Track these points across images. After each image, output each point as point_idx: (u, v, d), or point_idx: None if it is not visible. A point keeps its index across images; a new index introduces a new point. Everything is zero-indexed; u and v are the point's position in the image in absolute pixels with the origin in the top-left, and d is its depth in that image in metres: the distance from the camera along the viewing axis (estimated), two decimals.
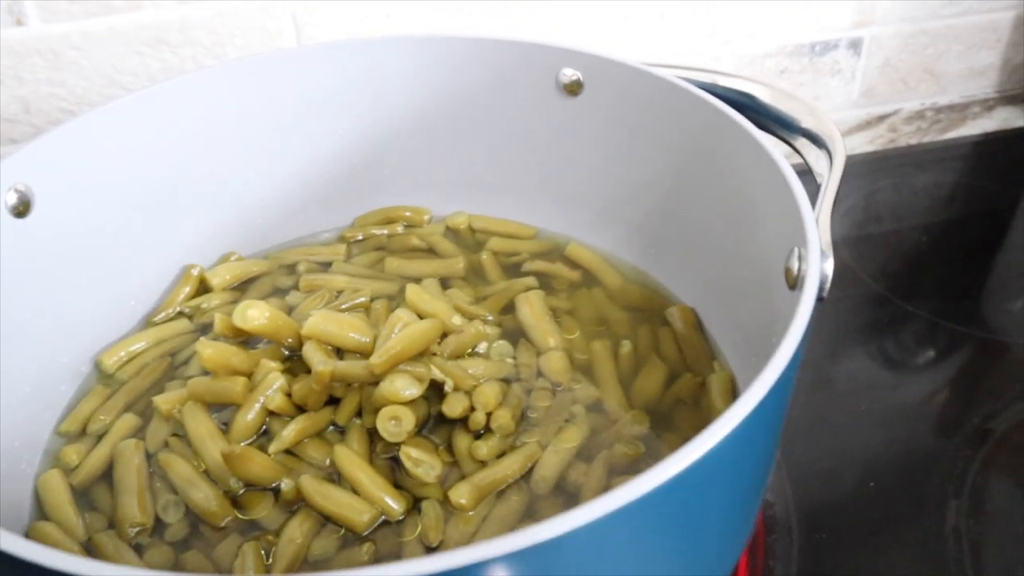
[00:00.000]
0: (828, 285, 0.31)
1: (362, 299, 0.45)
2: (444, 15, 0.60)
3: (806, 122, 0.39)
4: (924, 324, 0.54)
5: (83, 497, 0.38)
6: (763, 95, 0.41)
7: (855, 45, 0.73)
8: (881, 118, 0.78)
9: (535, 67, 0.46)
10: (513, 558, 0.22)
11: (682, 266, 0.46)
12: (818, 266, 0.30)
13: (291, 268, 0.49)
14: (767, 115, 0.41)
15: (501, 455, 0.37)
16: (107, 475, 0.39)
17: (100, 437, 0.40)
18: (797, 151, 0.40)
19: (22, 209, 0.39)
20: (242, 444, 0.38)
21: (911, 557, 0.41)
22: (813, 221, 0.32)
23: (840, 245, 0.63)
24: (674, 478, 0.23)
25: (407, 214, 0.52)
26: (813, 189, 0.35)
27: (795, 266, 0.32)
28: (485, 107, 0.49)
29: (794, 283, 0.32)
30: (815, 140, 0.38)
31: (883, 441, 0.46)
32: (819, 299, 0.31)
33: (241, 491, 0.37)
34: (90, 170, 0.43)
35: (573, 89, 0.46)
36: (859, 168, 0.74)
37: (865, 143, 0.76)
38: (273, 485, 0.37)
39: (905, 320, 0.54)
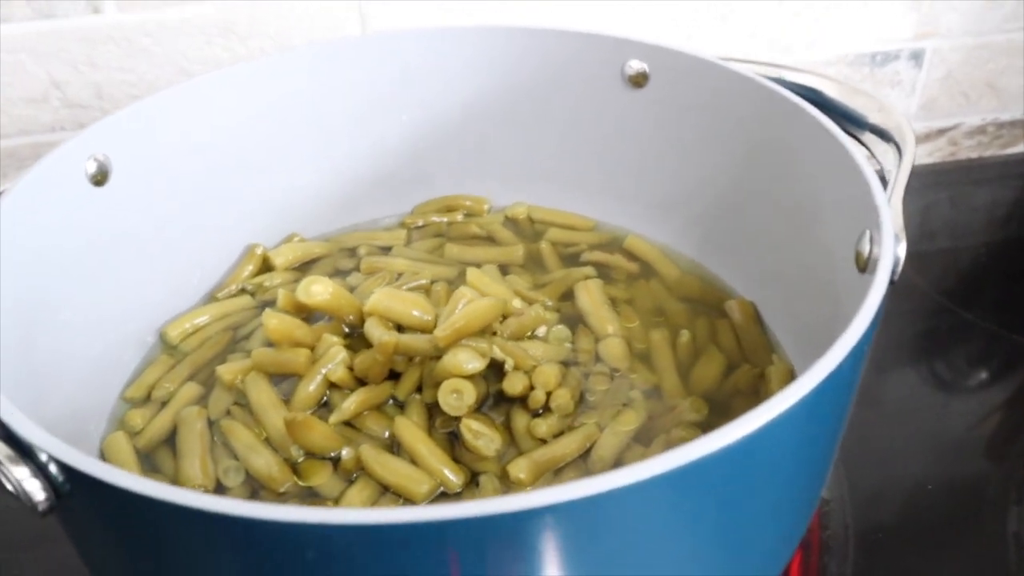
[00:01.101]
0: (900, 268, 0.31)
1: (422, 282, 0.46)
2: (509, 5, 0.61)
3: (874, 117, 0.39)
4: (983, 336, 0.53)
5: (146, 460, 0.39)
6: (830, 90, 0.41)
7: (916, 57, 0.72)
8: (941, 131, 0.77)
9: (601, 58, 0.47)
10: (561, 509, 0.22)
11: (742, 259, 0.46)
12: (892, 246, 0.30)
13: (352, 251, 0.50)
14: (834, 110, 0.40)
15: (559, 434, 0.38)
16: (170, 440, 0.40)
17: (164, 404, 0.41)
18: (865, 146, 0.40)
19: (100, 178, 0.40)
20: (305, 414, 0.38)
21: (970, 564, 0.40)
22: (886, 202, 0.31)
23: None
24: (723, 449, 0.23)
25: (467, 203, 0.52)
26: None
27: (866, 249, 0.32)
28: (548, 98, 0.49)
29: (865, 266, 0.32)
30: (883, 135, 0.38)
31: (944, 445, 0.46)
32: (891, 282, 0.31)
33: (301, 459, 0.37)
34: (165, 146, 0.44)
35: (639, 81, 0.46)
36: (917, 181, 0.73)
37: (924, 155, 0.76)
38: (333, 454, 0.37)
39: (963, 332, 0.54)
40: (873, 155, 0.39)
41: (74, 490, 0.24)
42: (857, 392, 0.41)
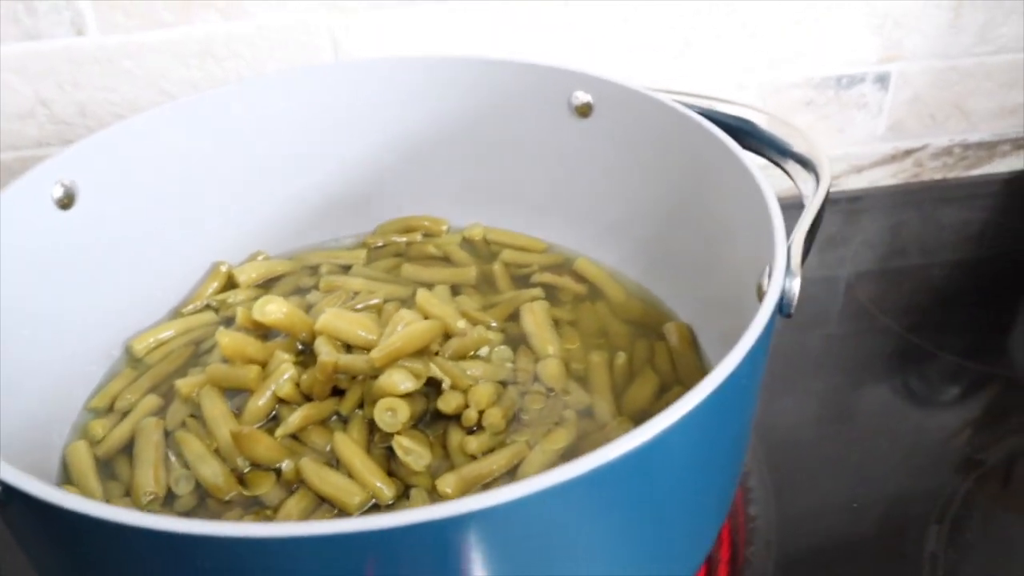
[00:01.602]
0: (794, 302, 0.33)
1: (376, 300, 0.48)
2: (473, 35, 0.63)
3: (797, 146, 0.41)
4: (943, 362, 0.55)
5: (105, 467, 0.41)
6: (760, 121, 0.43)
7: (882, 79, 0.74)
8: (908, 152, 0.79)
9: (549, 89, 0.49)
10: (472, 518, 0.24)
11: (680, 284, 0.48)
12: (780, 281, 0.32)
13: (314, 269, 0.53)
14: (761, 139, 0.43)
15: (490, 451, 0.40)
16: (128, 449, 0.42)
17: (125, 414, 0.44)
18: (789, 175, 0.42)
19: (67, 202, 0.43)
20: (252, 427, 0.40)
21: None
22: (783, 238, 0.33)
23: (861, 277, 0.64)
24: (607, 464, 0.26)
25: (426, 224, 0.55)
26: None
27: (764, 282, 0.34)
28: (501, 125, 0.52)
29: (761, 298, 0.34)
30: (804, 163, 0.40)
31: (905, 475, 0.47)
32: (786, 315, 0.33)
33: (247, 469, 0.40)
34: (131, 170, 0.46)
35: (584, 111, 0.48)
36: (883, 201, 0.75)
37: (888, 176, 0.78)
38: (276, 466, 0.40)
39: (923, 358, 0.55)
40: (795, 183, 0.41)
41: (11, 500, 0.26)
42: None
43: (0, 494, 0.26)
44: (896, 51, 0.73)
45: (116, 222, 0.46)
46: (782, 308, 0.32)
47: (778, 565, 0.43)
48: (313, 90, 0.52)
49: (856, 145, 0.77)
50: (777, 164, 0.42)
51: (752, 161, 0.39)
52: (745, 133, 0.43)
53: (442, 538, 0.26)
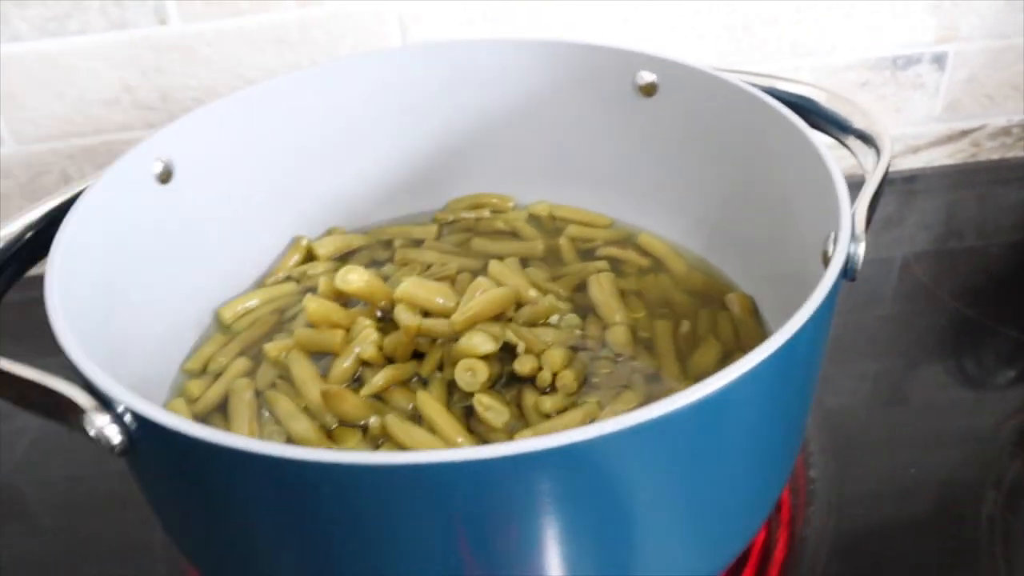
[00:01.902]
0: (859, 266, 0.34)
1: (449, 272, 0.50)
2: (539, 17, 0.65)
3: (858, 122, 0.43)
4: (1001, 339, 0.55)
5: (202, 423, 0.44)
6: (821, 99, 0.45)
7: (939, 60, 0.75)
8: (964, 133, 0.79)
9: (615, 69, 0.51)
10: (550, 455, 0.26)
11: (741, 257, 0.50)
12: (847, 245, 0.34)
13: (387, 243, 0.55)
14: (823, 117, 0.44)
15: (563, 411, 0.42)
16: (222, 407, 0.45)
17: (217, 376, 0.47)
18: (850, 150, 0.43)
19: (165, 177, 0.46)
20: (339, 386, 0.43)
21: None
22: (848, 205, 0.35)
23: (917, 259, 0.65)
24: (688, 406, 0.28)
25: (494, 200, 0.57)
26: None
27: (830, 249, 0.36)
28: (568, 105, 0.54)
29: (827, 263, 0.36)
30: (865, 139, 0.42)
31: (956, 462, 0.48)
32: (850, 279, 0.35)
33: (334, 426, 0.42)
34: (223, 147, 0.49)
35: (649, 91, 0.50)
36: (940, 182, 0.76)
37: (945, 156, 0.78)
38: (362, 423, 0.42)
39: (981, 336, 0.56)
40: (857, 158, 0.43)
41: (144, 436, 0.29)
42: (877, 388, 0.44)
43: (133, 431, 0.29)
44: (952, 31, 0.73)
45: (207, 198, 0.49)
46: (847, 271, 0.34)
47: (838, 525, 0.44)
48: (384, 73, 0.54)
49: (912, 125, 0.77)
50: (838, 140, 0.44)
51: (815, 134, 0.41)
52: (806, 111, 0.45)
53: (525, 472, 0.28)
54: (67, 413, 0.30)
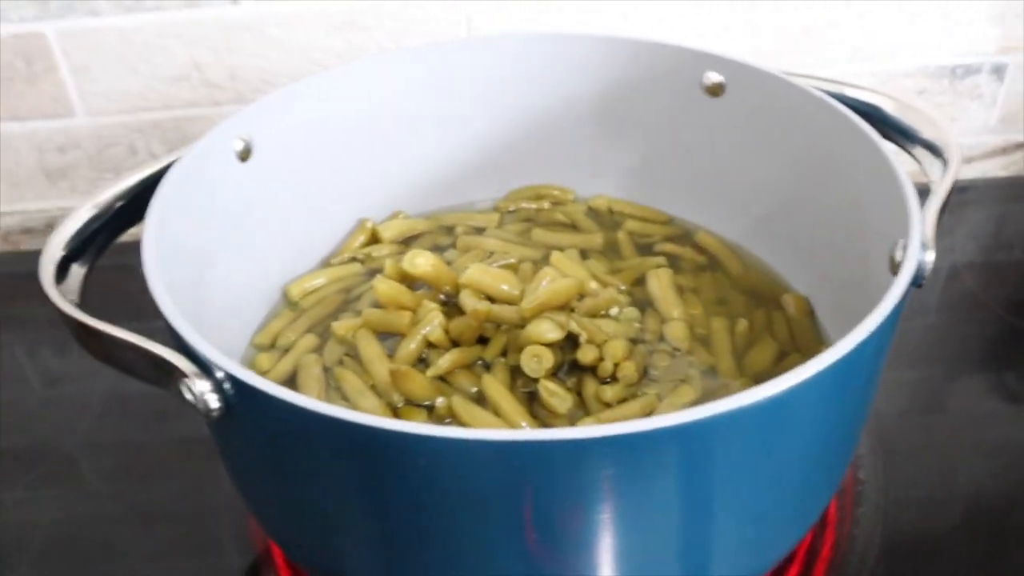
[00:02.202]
0: (927, 274, 0.35)
1: (511, 260, 0.52)
2: (603, 15, 0.66)
3: (926, 132, 0.43)
4: None
5: None
6: (888, 107, 0.45)
7: (998, 71, 0.75)
8: (1019, 145, 0.79)
9: (683, 69, 0.52)
10: (620, 441, 0.28)
11: (800, 259, 0.51)
12: (917, 253, 0.35)
13: (449, 229, 0.57)
14: (890, 125, 0.45)
15: (623, 401, 0.43)
16: (291, 381, 0.47)
17: (286, 351, 0.48)
18: (916, 159, 0.44)
19: (244, 155, 0.48)
20: (407, 366, 0.45)
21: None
22: (918, 214, 0.36)
23: (965, 269, 0.65)
24: (752, 405, 0.29)
25: (555, 192, 0.58)
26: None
27: (899, 255, 0.37)
28: (632, 101, 0.55)
29: (896, 271, 0.37)
30: (933, 150, 0.42)
31: (992, 472, 0.49)
32: (918, 285, 0.36)
33: (400, 405, 0.44)
34: (296, 129, 0.51)
35: (715, 91, 0.51)
36: (991, 193, 0.76)
37: (998, 168, 0.78)
38: (427, 403, 0.44)
39: None
40: (923, 168, 0.43)
41: (240, 401, 0.31)
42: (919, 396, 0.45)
43: (231, 396, 0.31)
44: (1014, 42, 0.73)
45: (280, 177, 0.51)
46: (916, 279, 0.35)
47: (886, 528, 0.45)
48: (453, 62, 0.56)
49: (967, 135, 0.77)
50: (904, 149, 0.45)
51: (884, 142, 0.41)
52: (872, 118, 0.45)
53: (591, 458, 0.29)
54: (166, 377, 0.32)
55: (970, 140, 0.77)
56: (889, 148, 0.41)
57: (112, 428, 0.54)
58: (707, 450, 0.31)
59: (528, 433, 0.27)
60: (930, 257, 0.35)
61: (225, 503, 0.48)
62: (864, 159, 0.42)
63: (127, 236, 0.44)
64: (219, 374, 0.30)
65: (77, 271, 0.39)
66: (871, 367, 0.35)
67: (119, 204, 0.42)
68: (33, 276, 0.37)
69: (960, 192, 0.76)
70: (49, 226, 0.75)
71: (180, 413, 0.54)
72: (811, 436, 0.34)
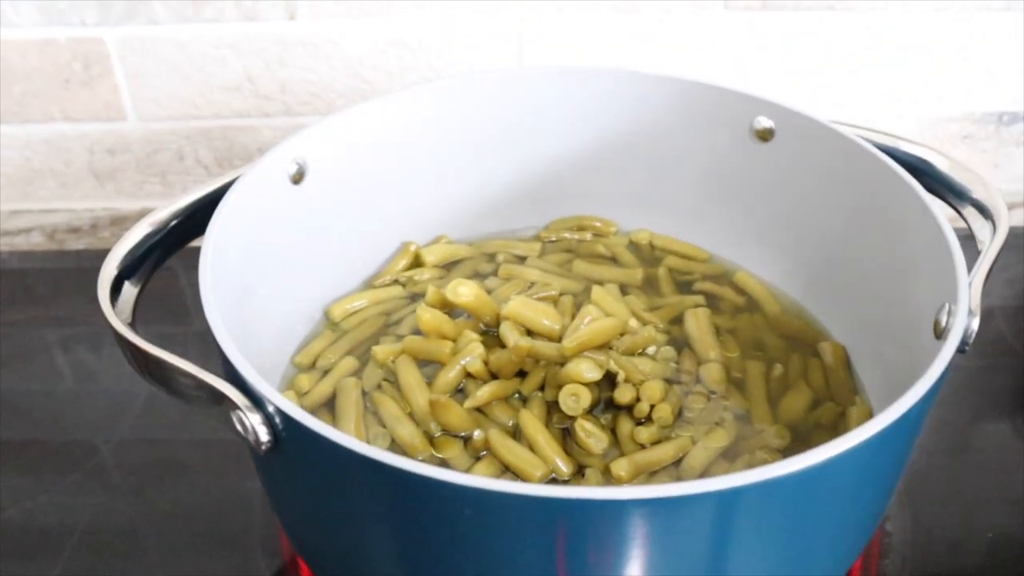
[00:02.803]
0: (971, 339, 0.35)
1: (552, 292, 0.52)
2: (651, 51, 0.66)
3: (977, 193, 0.43)
4: None
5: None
6: (940, 163, 0.46)
7: None
8: None
9: (733, 111, 0.52)
10: (653, 504, 0.28)
11: (839, 307, 0.51)
12: (964, 320, 0.35)
13: (491, 257, 0.57)
14: (940, 182, 0.45)
15: (657, 442, 0.44)
16: (330, 403, 0.47)
17: (326, 372, 0.49)
18: (964, 219, 0.44)
19: (298, 178, 0.48)
20: (446, 396, 0.45)
21: None
22: (967, 280, 0.36)
23: (998, 313, 0.65)
24: (795, 473, 0.29)
25: (597, 224, 0.59)
26: (972, 256, 0.39)
27: (944, 319, 0.37)
28: (680, 140, 0.55)
29: (940, 334, 0.37)
30: (983, 211, 0.42)
31: (1019, 518, 0.49)
32: (961, 351, 0.36)
33: (437, 434, 0.45)
34: (348, 152, 0.51)
35: (765, 136, 0.51)
36: None
37: None
38: (464, 434, 0.44)
39: None
40: (971, 228, 0.43)
41: (290, 436, 0.31)
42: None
43: (280, 431, 0.32)
44: None
45: (329, 200, 0.51)
46: (961, 345, 0.35)
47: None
48: (502, 93, 0.56)
49: (1009, 182, 0.77)
50: (953, 207, 0.45)
51: (935, 201, 0.42)
52: (923, 173, 0.45)
53: (634, 516, 0.30)
54: (217, 407, 0.32)
55: (1012, 187, 0.77)
56: (939, 208, 0.42)
57: (145, 426, 0.56)
58: (741, 515, 0.31)
59: (572, 491, 0.28)
60: (975, 323, 0.35)
61: (253, 507, 0.49)
62: (913, 217, 0.42)
63: None
64: (270, 408, 0.31)
65: (129, 290, 0.40)
66: (912, 433, 0.35)
67: (174, 223, 0.43)
68: (76, 274, 0.38)
69: None
70: (95, 226, 0.76)
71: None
72: (847, 502, 0.35)
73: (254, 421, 0.31)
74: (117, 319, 0.36)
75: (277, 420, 0.31)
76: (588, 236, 0.58)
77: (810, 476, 0.30)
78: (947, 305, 0.37)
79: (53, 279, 0.72)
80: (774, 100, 0.50)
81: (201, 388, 0.33)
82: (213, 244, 0.40)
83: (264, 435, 0.31)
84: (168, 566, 0.47)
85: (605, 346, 0.46)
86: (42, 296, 0.70)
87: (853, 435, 0.30)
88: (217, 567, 0.47)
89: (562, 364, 0.44)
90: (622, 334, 0.47)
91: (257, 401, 0.31)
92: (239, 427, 0.32)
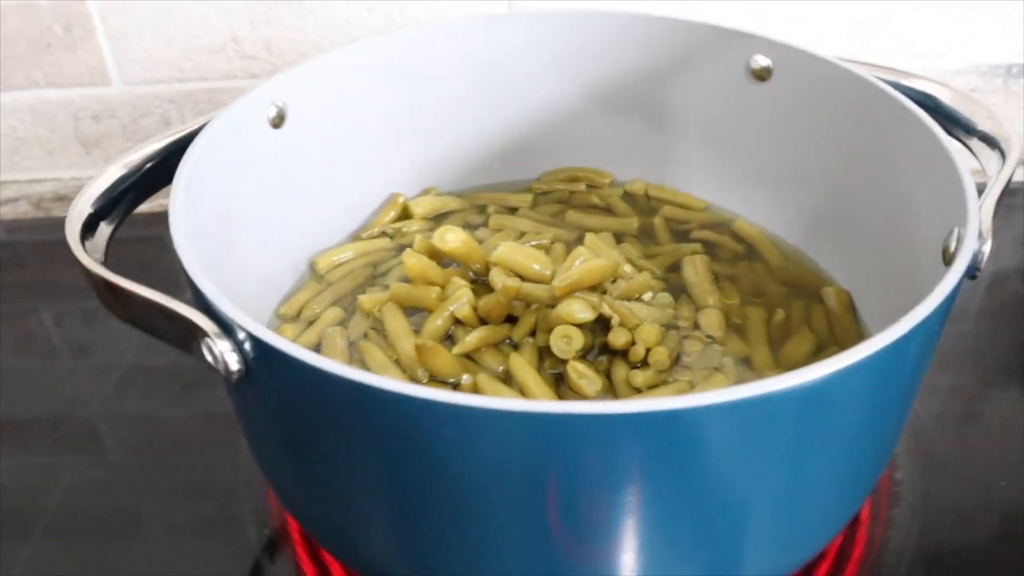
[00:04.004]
0: (982, 264, 0.34)
1: (544, 241, 0.50)
2: None
3: (983, 125, 0.41)
4: None
5: None
6: (944, 97, 0.44)
7: None
8: None
9: (728, 51, 0.50)
10: (646, 418, 0.26)
11: (842, 253, 0.49)
12: (974, 243, 0.33)
13: (482, 209, 0.55)
14: (945, 116, 0.43)
15: (653, 387, 0.42)
16: (314, 353, 0.46)
17: (311, 323, 0.48)
18: (973, 153, 0.42)
19: (277, 122, 0.47)
20: (433, 342, 0.43)
21: None
22: (976, 203, 0.34)
23: (1011, 274, 0.63)
24: (789, 389, 0.27)
25: (591, 175, 0.57)
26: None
27: (952, 244, 0.35)
28: (674, 83, 0.53)
29: (949, 260, 0.35)
30: (990, 142, 0.41)
31: None
32: (972, 276, 0.34)
33: (424, 381, 0.43)
34: (331, 98, 0.50)
35: (762, 75, 0.50)
36: None
37: None
38: (452, 380, 0.43)
39: None
40: (979, 161, 0.42)
41: (261, 363, 0.30)
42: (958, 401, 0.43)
43: (251, 358, 0.30)
44: None
45: (312, 147, 0.50)
46: (971, 269, 0.33)
47: (923, 530, 0.43)
48: (491, 39, 0.54)
49: (1017, 136, 0.75)
50: (960, 141, 0.43)
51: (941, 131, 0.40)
52: (928, 108, 0.43)
53: (620, 435, 0.28)
54: (187, 337, 0.31)
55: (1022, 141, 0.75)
56: (944, 135, 0.40)
57: (135, 400, 0.54)
58: (744, 434, 0.30)
59: (561, 406, 0.26)
60: (986, 247, 0.34)
61: (244, 478, 0.48)
62: (918, 147, 0.41)
63: (154, 206, 0.43)
64: (240, 334, 0.30)
65: (104, 230, 0.39)
66: (918, 360, 0.33)
67: (149, 165, 0.42)
68: (64, 244, 0.37)
69: (1009, 195, 0.73)
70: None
71: (203, 387, 0.54)
72: (850, 428, 0.33)
73: (223, 348, 0.30)
74: (88, 255, 0.35)
75: (247, 346, 0.30)
76: (582, 187, 0.57)
77: (813, 391, 0.28)
78: (955, 230, 0.35)
79: (40, 248, 0.71)
80: (772, 37, 0.49)
81: (170, 319, 0.31)
82: (185, 179, 0.39)
83: (234, 363, 0.30)
84: (159, 538, 0.46)
85: (598, 289, 0.44)
86: (30, 265, 0.69)
87: (858, 350, 0.28)
88: (212, 542, 0.45)
89: (553, 306, 0.42)
90: (616, 279, 0.45)
91: (226, 327, 0.30)
92: (209, 357, 0.30)
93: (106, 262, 0.37)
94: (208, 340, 0.30)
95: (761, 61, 0.49)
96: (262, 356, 0.29)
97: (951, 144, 0.39)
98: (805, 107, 0.49)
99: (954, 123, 0.43)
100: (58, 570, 0.44)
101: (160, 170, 0.42)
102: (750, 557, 0.35)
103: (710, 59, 0.51)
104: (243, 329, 0.29)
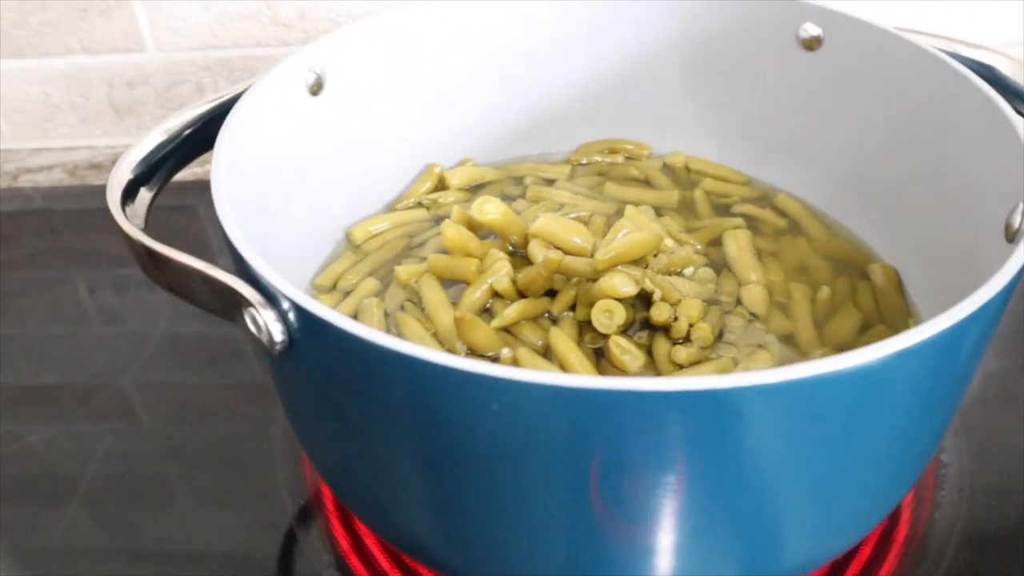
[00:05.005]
0: None
1: (583, 214, 0.49)
2: None
3: None
4: None
5: None
6: (1003, 66, 0.42)
7: None
8: None
9: (777, 20, 0.49)
10: (694, 397, 0.26)
11: (892, 226, 0.48)
12: None
13: (519, 180, 0.55)
14: (1005, 87, 0.41)
15: (696, 363, 0.41)
16: None
17: (347, 294, 0.47)
18: None
19: (316, 89, 0.46)
20: (472, 315, 0.43)
21: None
22: None
23: None
24: (842, 372, 0.26)
25: (629, 147, 0.56)
26: None
27: (1017, 221, 0.34)
28: (719, 55, 0.52)
29: (1013, 237, 0.34)
30: None
31: None
32: None
33: (463, 354, 0.42)
34: (370, 66, 0.49)
35: (812, 45, 0.48)
36: None
37: None
38: (491, 354, 0.42)
39: None
40: None
41: (304, 334, 0.29)
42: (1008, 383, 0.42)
43: (295, 329, 0.29)
44: None
45: (350, 116, 0.49)
46: None
47: (969, 513, 0.43)
48: (534, 9, 0.53)
49: None
50: (1020, 113, 0.41)
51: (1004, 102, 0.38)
52: (986, 78, 0.42)
53: (665, 412, 0.27)
54: (230, 307, 0.30)
55: None
56: (1005, 104, 0.38)
57: (168, 369, 0.54)
58: (791, 416, 0.29)
59: (608, 381, 0.26)
60: None
61: (278, 448, 0.48)
62: (978, 119, 0.39)
63: (186, 175, 0.43)
64: (285, 304, 0.29)
65: (144, 196, 0.38)
66: (977, 344, 0.32)
67: (188, 131, 0.41)
68: (99, 212, 0.36)
69: None
70: (115, 163, 0.75)
71: (235, 356, 0.53)
72: (902, 414, 0.32)
73: (267, 318, 0.29)
74: (128, 222, 0.34)
75: (291, 316, 0.29)
76: (620, 159, 0.56)
77: (867, 374, 0.27)
78: (1020, 204, 0.34)
79: (75, 216, 0.71)
80: (823, 4, 0.47)
81: (214, 288, 0.31)
82: (225, 149, 0.38)
83: (278, 334, 0.29)
84: (191, 507, 0.46)
85: (640, 263, 0.43)
86: (64, 233, 0.69)
87: (917, 331, 0.27)
88: (246, 511, 0.45)
89: (594, 280, 0.41)
90: (657, 253, 0.44)
91: (271, 297, 0.29)
92: (252, 327, 0.30)
93: (145, 229, 0.37)
94: (252, 310, 0.29)
95: (811, 30, 0.48)
96: (306, 327, 0.29)
97: (1014, 116, 0.37)
98: (856, 77, 0.47)
99: (1013, 95, 0.42)
100: (95, 539, 0.44)
101: (199, 137, 0.42)
102: (791, 542, 0.34)
103: (757, 28, 0.50)
104: (288, 299, 0.29)
